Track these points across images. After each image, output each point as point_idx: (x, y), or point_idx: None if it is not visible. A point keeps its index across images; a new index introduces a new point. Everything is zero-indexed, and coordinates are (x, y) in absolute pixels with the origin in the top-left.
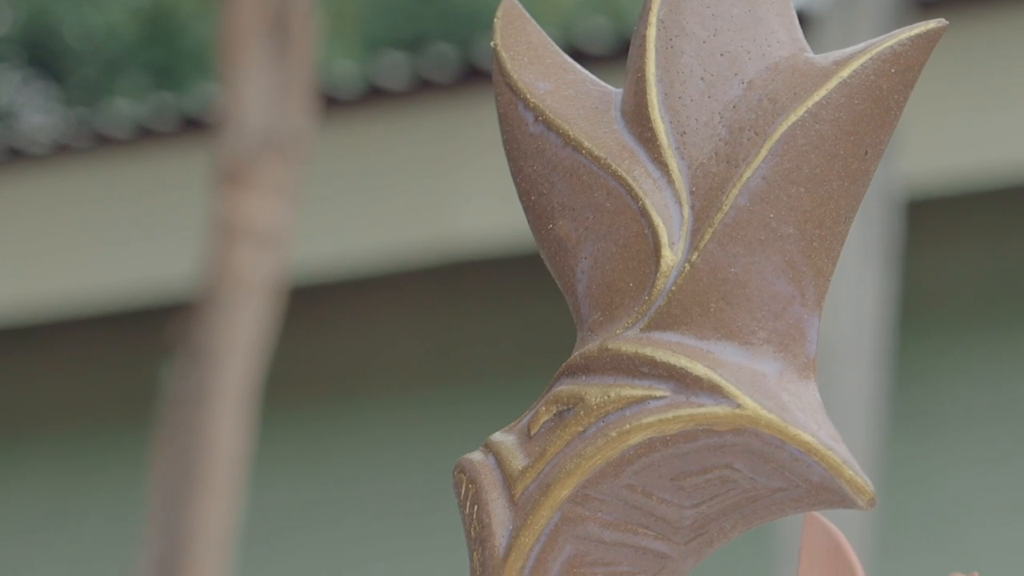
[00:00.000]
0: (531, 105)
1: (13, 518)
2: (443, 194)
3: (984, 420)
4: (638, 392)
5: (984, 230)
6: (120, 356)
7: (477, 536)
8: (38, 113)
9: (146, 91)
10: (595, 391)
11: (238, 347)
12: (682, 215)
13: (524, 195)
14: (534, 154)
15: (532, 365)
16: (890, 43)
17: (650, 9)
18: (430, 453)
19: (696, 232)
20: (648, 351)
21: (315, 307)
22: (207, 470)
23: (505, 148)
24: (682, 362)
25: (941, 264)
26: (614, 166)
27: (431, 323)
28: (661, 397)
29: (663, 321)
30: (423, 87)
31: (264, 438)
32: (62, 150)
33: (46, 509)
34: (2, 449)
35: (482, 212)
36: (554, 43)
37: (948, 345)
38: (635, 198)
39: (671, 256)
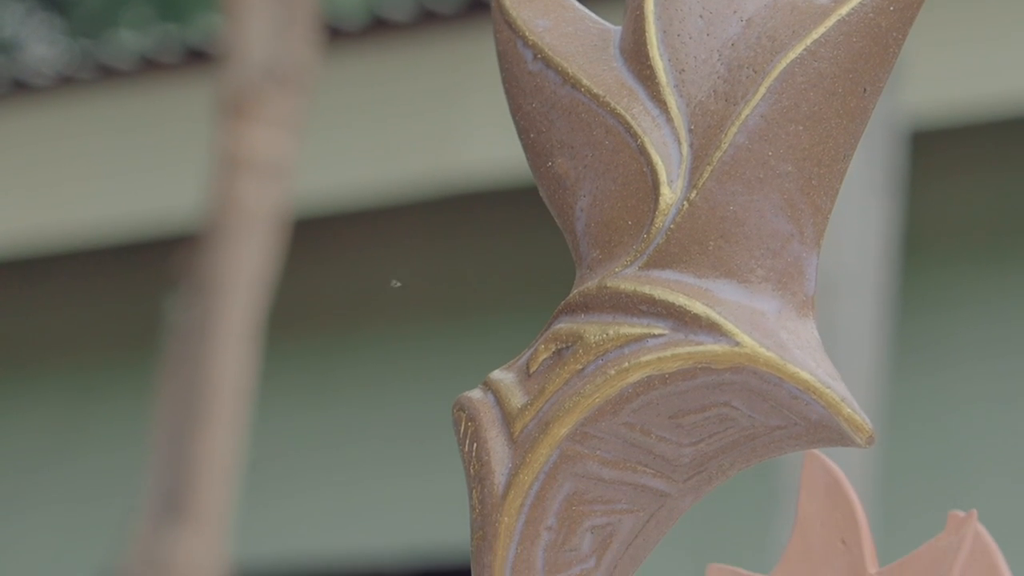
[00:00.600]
0: (530, 43)
1: (17, 451)
2: (447, 126)
3: (989, 355)
4: (636, 330)
5: (989, 162)
6: (124, 288)
7: (476, 474)
8: (42, 45)
9: (150, 23)
10: (594, 329)
11: (242, 279)
12: (681, 153)
13: (523, 133)
14: (533, 92)
15: (534, 298)
16: None
17: None
18: (432, 385)
19: (695, 170)
20: (647, 289)
21: (319, 239)
22: (211, 402)
23: (504, 86)
24: (680, 300)
25: (945, 196)
26: (613, 104)
27: (434, 255)
28: (659, 335)
29: (662, 259)
30: (427, 18)
31: (268, 370)
32: (66, 82)
33: (50, 442)
34: (5, 382)
35: (486, 144)
36: None
37: (953, 279)
38: (634, 136)
39: (670, 194)
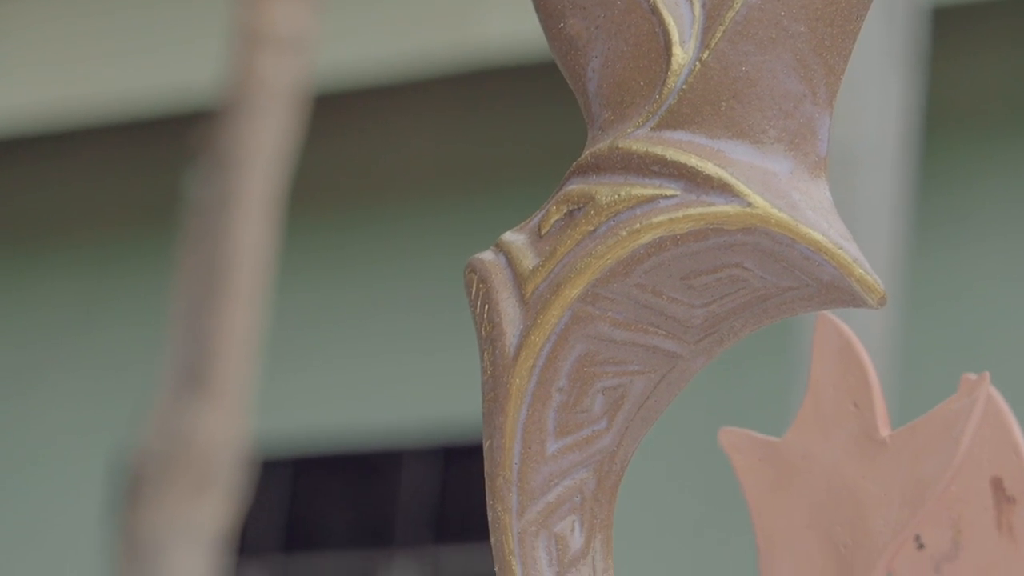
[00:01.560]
0: None
1: (39, 325)
2: (465, 1)
3: (1008, 231)
4: (648, 191)
5: (1011, 37)
6: (146, 163)
7: (488, 336)
8: None
9: None
10: (606, 190)
11: (262, 153)
12: (693, 13)
13: None
14: None
15: (551, 172)
16: None
17: None
18: (451, 259)
19: (707, 30)
20: (659, 150)
21: (338, 114)
22: (231, 276)
23: None
24: (693, 161)
25: (967, 72)
26: None
27: (453, 130)
28: (671, 196)
29: (674, 120)
30: None
31: (288, 244)
32: None
33: (71, 316)
34: (27, 257)
35: (504, 19)
36: None
37: (974, 154)
38: None
39: (682, 54)
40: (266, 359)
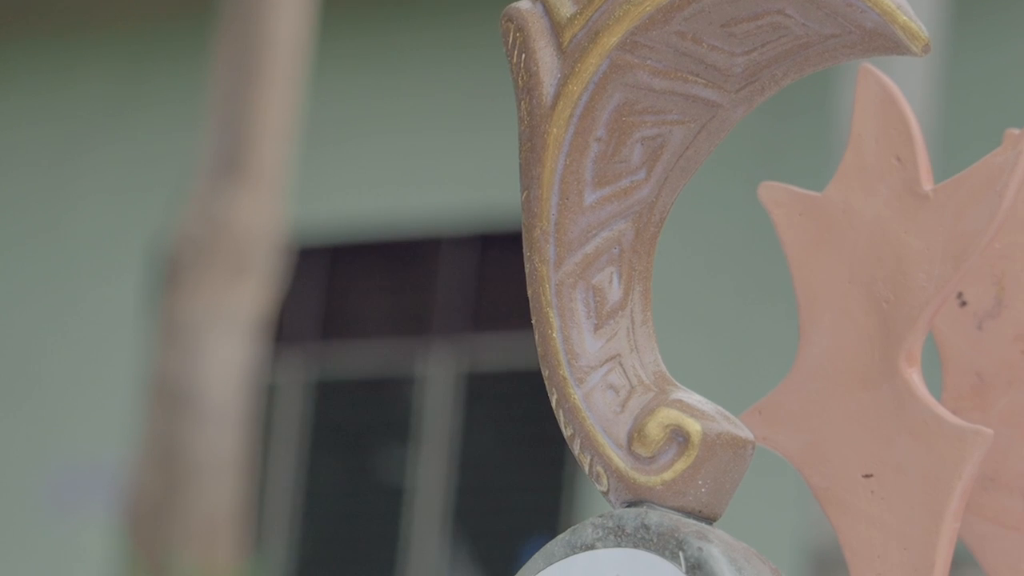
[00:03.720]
0: None
1: (79, 109)
2: None
3: None
4: None
5: None
6: None
7: (524, 85)
8: None
9: None
10: None
11: None
12: None
13: None
14: None
15: None
16: None
17: None
18: (492, 41)
19: None
20: None
21: None
22: (268, 61)
23: None
24: None
25: None
26: None
27: None
28: None
29: None
30: None
31: (326, 27)
32: None
33: (109, 103)
34: (68, 40)
35: None
36: None
37: None
38: None
39: None
40: (303, 145)
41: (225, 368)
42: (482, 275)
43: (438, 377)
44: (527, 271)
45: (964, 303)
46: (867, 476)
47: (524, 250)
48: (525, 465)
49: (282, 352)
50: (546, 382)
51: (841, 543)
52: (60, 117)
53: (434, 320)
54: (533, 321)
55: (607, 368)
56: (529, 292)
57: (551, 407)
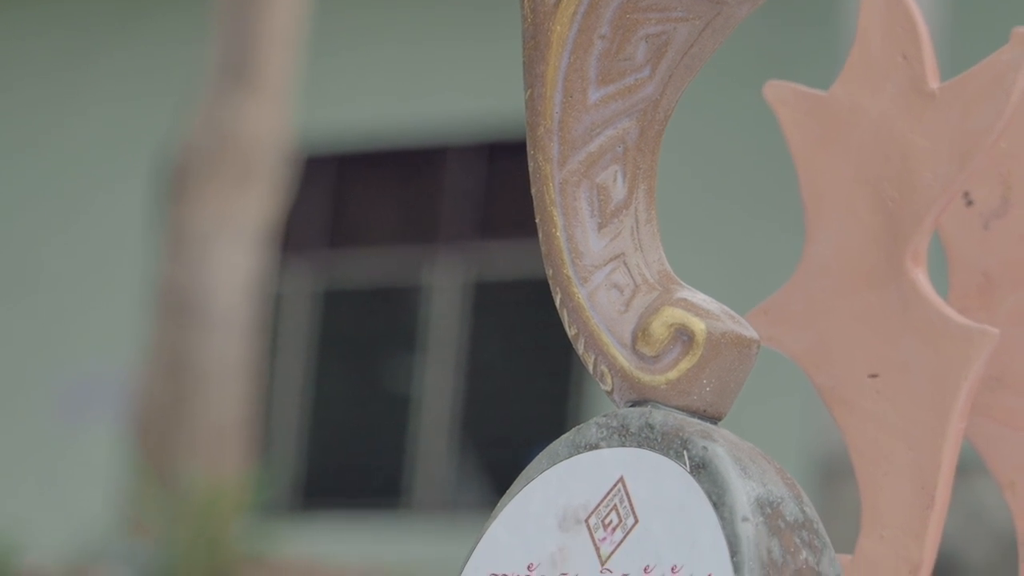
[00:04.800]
0: None
1: (87, 17)
2: None
3: None
4: None
5: None
6: None
7: None
8: None
9: None
10: None
11: None
12: None
13: None
14: None
15: None
16: None
17: None
18: None
19: None
20: None
21: None
22: None
23: None
24: None
25: None
26: None
27: None
28: None
29: None
30: None
31: None
32: None
33: (118, 9)
34: None
35: None
36: None
37: None
38: None
39: None
40: (310, 54)
41: (232, 276)
42: (489, 183)
43: (445, 285)
44: (531, 170)
45: (970, 202)
46: (873, 376)
47: (528, 148)
48: (532, 373)
49: (289, 261)
50: (550, 281)
51: (847, 444)
52: (69, 25)
53: (441, 229)
54: (537, 220)
55: (611, 267)
56: (533, 191)
57: (558, 314)
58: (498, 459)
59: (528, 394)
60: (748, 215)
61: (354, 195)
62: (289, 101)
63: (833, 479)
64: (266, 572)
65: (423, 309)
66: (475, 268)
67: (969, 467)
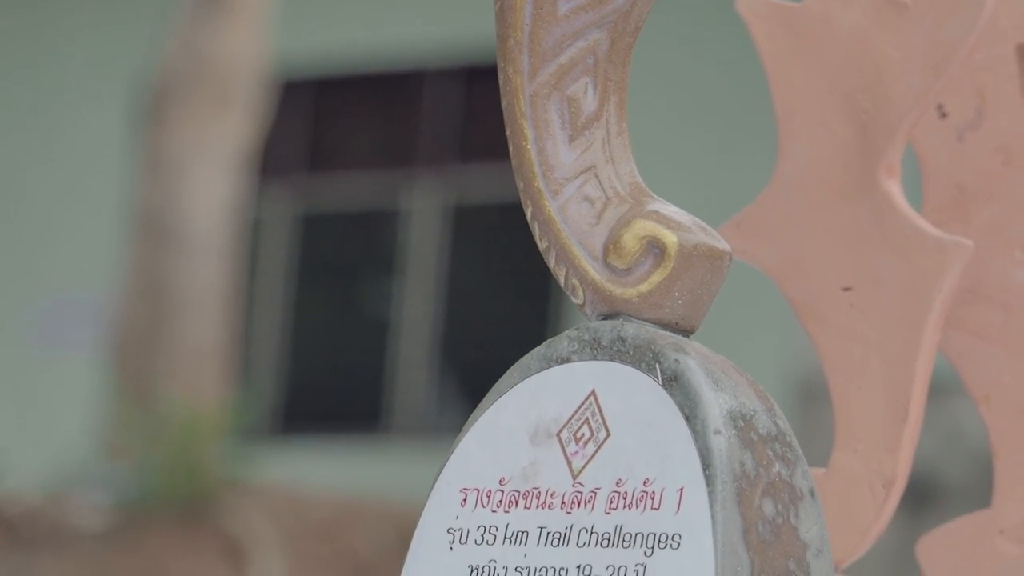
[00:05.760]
0: None
1: None
2: None
3: None
4: None
5: None
6: None
7: None
8: None
9: None
10: None
11: None
12: None
13: None
14: None
15: None
16: None
17: None
18: None
19: None
20: None
21: None
22: None
23: None
24: None
25: None
26: None
27: None
28: None
29: None
30: None
31: None
32: None
33: None
34: None
35: None
36: None
37: None
38: None
39: None
40: None
41: (210, 201)
42: (468, 107)
43: (424, 209)
44: (501, 83)
45: (944, 115)
46: (846, 289)
47: (498, 61)
48: (512, 296)
49: (268, 186)
50: (521, 195)
51: (821, 358)
52: None
53: (420, 152)
54: (508, 133)
55: (582, 180)
56: (503, 104)
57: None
58: (478, 382)
59: (508, 317)
60: (720, 137)
61: (332, 119)
62: (267, 25)
63: (812, 400)
64: (246, 496)
65: (402, 233)
66: (454, 192)
67: (947, 388)
